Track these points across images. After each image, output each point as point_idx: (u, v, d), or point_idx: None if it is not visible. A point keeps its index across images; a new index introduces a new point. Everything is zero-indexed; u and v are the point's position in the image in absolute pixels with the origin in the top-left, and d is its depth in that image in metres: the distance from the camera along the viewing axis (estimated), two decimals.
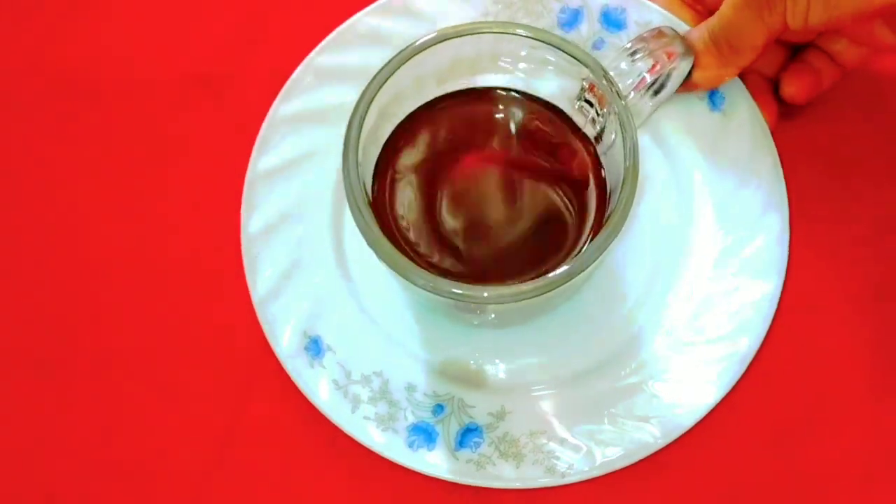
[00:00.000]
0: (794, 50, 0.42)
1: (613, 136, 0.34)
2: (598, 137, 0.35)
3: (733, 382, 0.39)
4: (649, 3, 0.42)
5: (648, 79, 0.34)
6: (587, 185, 0.35)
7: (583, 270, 0.30)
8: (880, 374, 0.40)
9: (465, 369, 0.40)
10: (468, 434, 0.39)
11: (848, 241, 0.42)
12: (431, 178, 0.36)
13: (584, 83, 0.34)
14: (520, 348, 0.41)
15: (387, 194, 0.35)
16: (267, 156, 0.42)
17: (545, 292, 0.30)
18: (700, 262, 0.41)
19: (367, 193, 0.32)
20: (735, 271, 0.40)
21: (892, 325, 0.40)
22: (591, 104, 0.34)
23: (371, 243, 0.31)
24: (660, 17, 0.42)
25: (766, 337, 0.39)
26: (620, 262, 0.41)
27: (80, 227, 0.43)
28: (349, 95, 0.39)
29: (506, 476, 0.38)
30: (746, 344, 0.39)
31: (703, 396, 0.38)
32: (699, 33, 0.38)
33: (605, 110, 0.33)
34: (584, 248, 0.33)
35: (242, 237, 0.41)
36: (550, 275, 0.30)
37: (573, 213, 0.35)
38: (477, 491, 0.38)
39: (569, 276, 0.30)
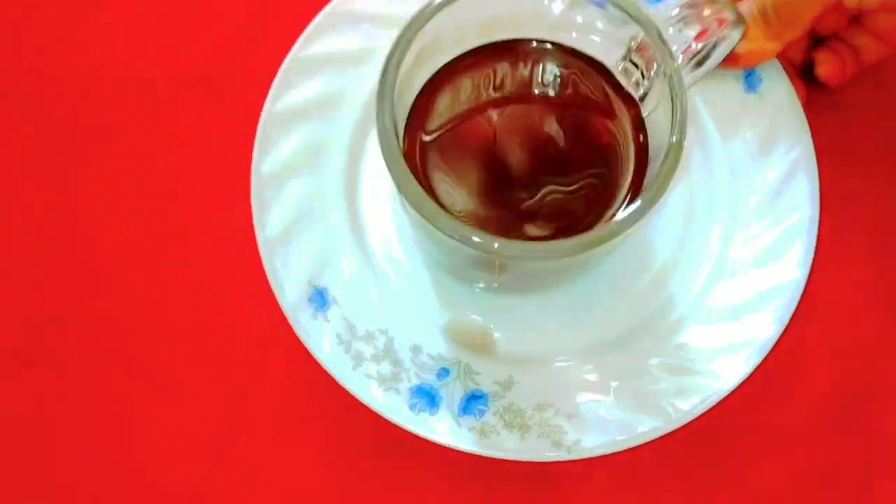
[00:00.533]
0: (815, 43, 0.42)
1: (656, 102, 0.33)
2: (641, 100, 0.33)
3: (752, 368, 0.37)
4: None
5: (695, 46, 0.33)
6: (626, 146, 0.33)
7: (616, 236, 0.29)
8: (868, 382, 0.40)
9: (475, 334, 0.39)
10: (472, 401, 0.37)
11: (879, 232, 0.41)
12: (466, 129, 0.34)
13: (633, 43, 0.32)
14: (535, 317, 0.39)
15: (418, 142, 0.34)
16: (286, 97, 0.40)
17: (574, 253, 0.29)
18: (726, 244, 0.39)
19: (398, 139, 0.30)
20: (760, 257, 0.39)
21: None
22: (636, 66, 0.33)
23: (400, 186, 0.29)
24: None
25: (789, 323, 0.38)
26: (644, 238, 0.40)
27: (80, 219, 0.43)
28: (378, 40, 0.38)
29: (509, 447, 0.37)
30: (770, 328, 0.38)
31: (723, 382, 0.37)
32: (748, 5, 0.37)
33: (651, 73, 0.32)
34: (619, 213, 0.31)
35: (253, 177, 0.39)
36: (583, 236, 0.29)
37: (609, 174, 0.33)
38: (480, 461, 0.37)
39: (599, 241, 0.29)
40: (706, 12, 0.33)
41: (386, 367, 0.38)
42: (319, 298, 0.38)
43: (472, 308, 0.39)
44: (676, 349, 0.38)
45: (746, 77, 0.41)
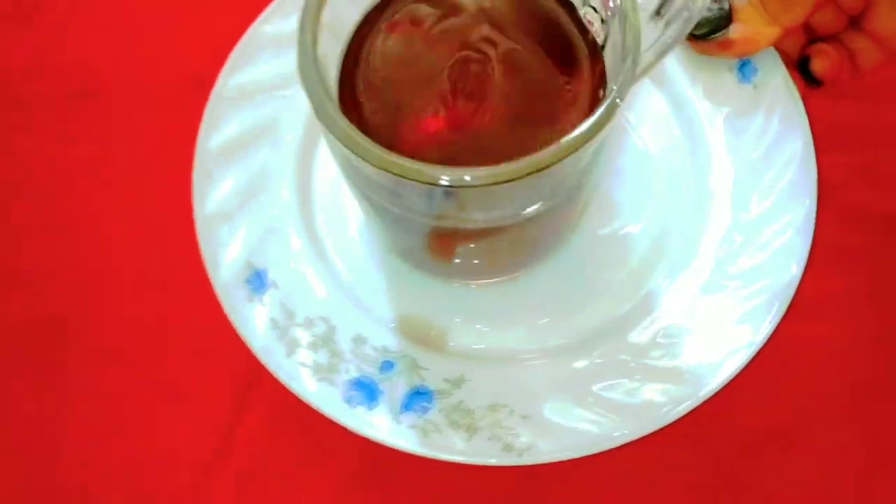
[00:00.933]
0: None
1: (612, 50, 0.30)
2: (602, 48, 0.30)
3: (725, 381, 0.33)
4: None
5: None
6: (585, 82, 0.30)
7: (570, 154, 0.25)
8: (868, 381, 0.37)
9: (426, 328, 0.35)
10: (416, 397, 0.33)
11: (875, 230, 0.38)
12: (407, 66, 0.31)
13: None
14: (495, 311, 0.36)
15: (357, 88, 0.31)
16: (238, 74, 0.38)
17: (528, 174, 0.25)
18: (712, 242, 0.36)
19: (317, 64, 0.27)
20: (752, 253, 0.35)
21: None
22: (595, 9, 0.30)
23: (331, 128, 0.26)
24: None
25: (777, 327, 0.33)
26: (623, 236, 0.37)
27: (81, 219, 0.42)
28: None
29: (454, 447, 0.32)
30: (757, 333, 0.33)
31: (687, 392, 0.33)
32: None
33: (607, 14, 0.29)
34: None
35: (197, 151, 0.36)
36: (535, 155, 0.25)
37: (568, 112, 0.30)
38: (425, 464, 0.32)
39: (554, 158, 0.25)
40: None
41: (323, 357, 0.34)
42: (257, 280, 0.35)
43: (425, 300, 0.36)
44: (649, 349, 0.34)
45: (741, 67, 0.38)
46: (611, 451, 0.32)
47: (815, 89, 0.38)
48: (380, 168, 0.25)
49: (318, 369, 0.34)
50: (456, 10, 0.31)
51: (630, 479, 0.35)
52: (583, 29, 0.31)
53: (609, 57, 0.30)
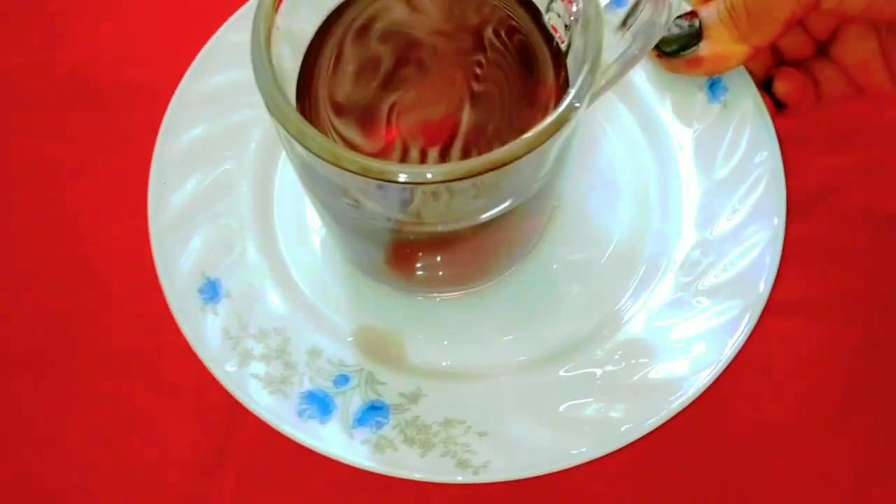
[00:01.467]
0: None
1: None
2: (566, 55, 0.30)
3: (690, 399, 0.32)
4: None
5: None
6: (549, 88, 0.29)
7: (525, 153, 0.24)
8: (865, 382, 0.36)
9: (385, 341, 0.34)
10: (371, 412, 0.32)
11: (844, 249, 0.38)
12: (369, 75, 0.30)
13: None
14: (456, 326, 0.35)
15: (317, 99, 0.30)
16: (201, 80, 0.37)
17: (483, 171, 0.24)
18: (679, 260, 0.35)
19: (281, 89, 0.27)
20: (719, 273, 0.35)
21: (885, 333, 0.37)
22: (559, 16, 0.29)
23: (283, 121, 0.25)
24: None
25: (746, 343, 0.33)
26: (588, 253, 0.36)
27: (80, 217, 0.41)
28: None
29: (408, 464, 0.31)
30: (723, 351, 0.33)
31: (648, 412, 0.32)
32: (714, 6, 0.35)
33: (571, 19, 0.29)
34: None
35: (154, 160, 0.36)
36: (490, 153, 0.24)
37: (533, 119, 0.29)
38: (382, 481, 0.31)
39: (509, 157, 0.24)
40: None
41: (277, 369, 0.33)
42: (211, 290, 0.34)
43: (386, 313, 0.35)
44: (613, 367, 0.33)
45: (711, 86, 0.37)
46: (578, 468, 0.32)
47: (779, 112, 0.37)
48: (330, 162, 0.24)
49: (270, 381, 0.33)
50: (417, 16, 0.31)
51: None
52: (548, 35, 0.30)
53: (572, 64, 0.29)
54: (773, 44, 0.36)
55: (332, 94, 0.30)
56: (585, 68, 0.26)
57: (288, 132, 0.25)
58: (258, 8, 0.27)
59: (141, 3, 0.46)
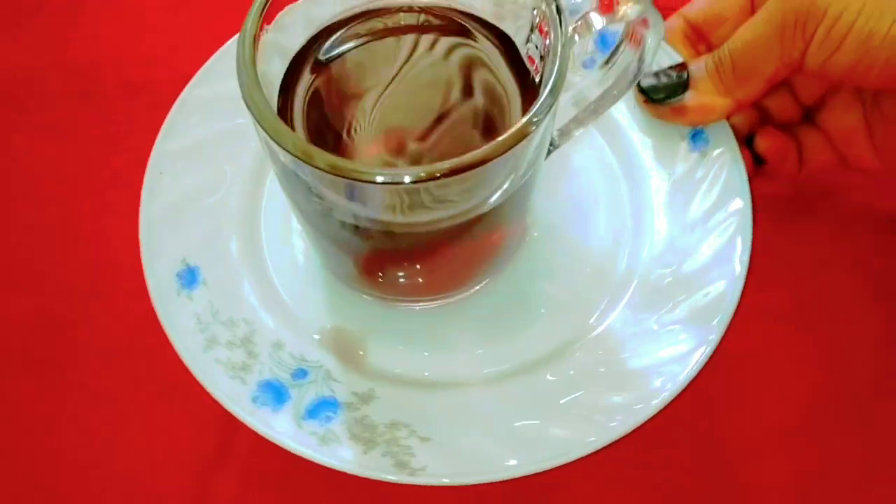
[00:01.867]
0: None
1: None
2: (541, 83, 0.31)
3: (631, 428, 0.33)
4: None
5: (596, 23, 0.31)
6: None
7: (498, 155, 0.26)
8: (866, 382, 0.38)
9: (348, 341, 0.36)
10: (322, 406, 0.34)
11: (844, 248, 0.40)
12: (344, 100, 0.32)
13: (536, 17, 0.30)
14: (422, 335, 0.37)
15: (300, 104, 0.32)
16: (206, 86, 0.39)
17: (458, 171, 0.25)
18: (648, 284, 0.36)
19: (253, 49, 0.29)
20: (679, 320, 0.35)
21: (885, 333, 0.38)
22: (536, 47, 0.31)
23: (256, 113, 0.27)
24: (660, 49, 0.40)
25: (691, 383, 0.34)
26: (556, 278, 0.38)
27: (82, 218, 0.42)
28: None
29: (348, 458, 0.32)
30: (666, 394, 0.33)
31: (588, 432, 0.33)
32: (703, 61, 0.36)
33: (545, 51, 0.30)
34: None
35: (154, 151, 0.38)
36: (465, 155, 0.25)
37: None
38: (326, 474, 0.33)
39: (485, 158, 0.26)
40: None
41: (239, 356, 0.35)
42: (189, 276, 0.36)
43: (354, 316, 0.37)
44: (563, 387, 0.34)
45: (693, 136, 0.39)
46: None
47: (758, 168, 0.38)
48: (298, 157, 0.26)
49: (231, 367, 0.34)
50: (395, 39, 0.33)
51: (606, 485, 0.36)
52: (523, 69, 0.32)
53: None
54: (758, 102, 0.37)
55: (311, 108, 0.31)
56: (545, 92, 0.27)
57: (265, 130, 0.26)
58: (248, 15, 0.29)
59: (141, 3, 0.47)
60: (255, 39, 0.28)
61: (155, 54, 0.45)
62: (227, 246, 0.37)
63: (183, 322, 0.35)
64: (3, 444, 0.38)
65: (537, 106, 0.27)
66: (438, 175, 0.25)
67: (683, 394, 0.35)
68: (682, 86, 0.37)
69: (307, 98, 0.31)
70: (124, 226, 0.39)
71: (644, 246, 0.38)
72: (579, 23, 0.30)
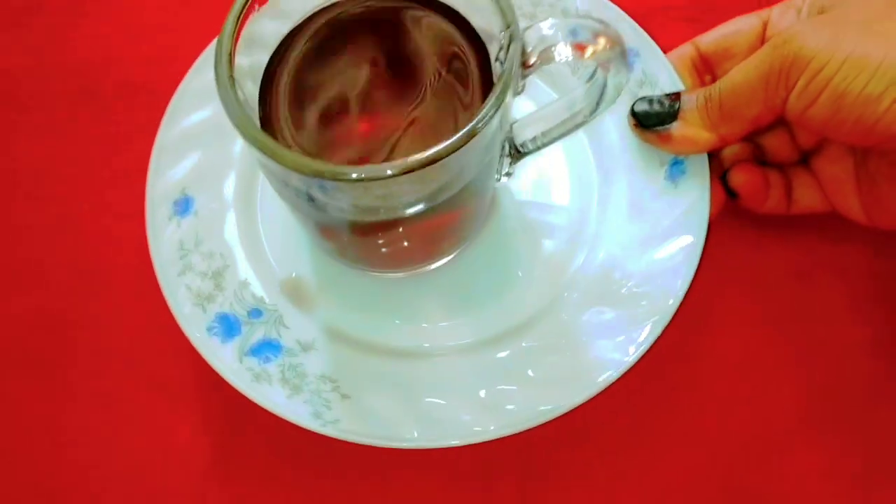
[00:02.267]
0: None
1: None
2: None
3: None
4: (662, 54, 0.41)
5: (560, 56, 0.30)
6: None
7: (449, 154, 0.27)
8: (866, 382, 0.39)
9: (306, 291, 0.39)
10: (265, 347, 0.37)
11: (844, 248, 0.41)
12: (320, 96, 0.33)
13: (503, 38, 0.32)
14: (371, 300, 0.40)
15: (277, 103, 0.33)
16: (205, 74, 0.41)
17: (409, 170, 0.27)
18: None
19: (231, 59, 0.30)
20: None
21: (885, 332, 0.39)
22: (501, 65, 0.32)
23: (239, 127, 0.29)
24: (666, 73, 0.40)
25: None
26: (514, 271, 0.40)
27: (82, 217, 0.43)
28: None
29: (272, 398, 0.36)
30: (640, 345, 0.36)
31: (503, 419, 0.35)
32: (695, 94, 0.37)
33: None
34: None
35: (178, 89, 0.41)
36: (403, 160, 0.27)
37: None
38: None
39: (435, 157, 0.27)
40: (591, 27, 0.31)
41: (207, 286, 0.38)
42: (184, 205, 0.40)
43: (321, 272, 0.40)
44: (499, 368, 0.37)
45: (672, 165, 0.39)
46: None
47: (733, 200, 0.39)
48: (260, 151, 0.28)
49: (197, 294, 0.38)
50: (367, 36, 0.34)
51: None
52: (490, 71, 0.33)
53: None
54: (754, 138, 0.37)
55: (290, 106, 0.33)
56: (490, 98, 0.28)
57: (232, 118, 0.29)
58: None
59: (141, 3, 0.47)
60: (231, 57, 0.29)
61: (155, 54, 0.45)
62: (224, 185, 0.41)
63: (167, 247, 0.39)
64: (3, 444, 0.39)
65: (485, 109, 0.28)
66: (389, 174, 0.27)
67: (681, 394, 0.38)
68: (671, 115, 0.38)
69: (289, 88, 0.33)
70: (124, 225, 0.41)
71: (600, 249, 0.39)
72: (543, 51, 0.31)
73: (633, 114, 0.38)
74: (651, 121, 0.38)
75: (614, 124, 0.41)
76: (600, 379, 0.35)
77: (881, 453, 0.37)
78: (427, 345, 0.38)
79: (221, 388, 0.36)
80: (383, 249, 0.38)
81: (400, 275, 0.41)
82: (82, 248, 0.42)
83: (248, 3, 0.30)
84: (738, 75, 0.35)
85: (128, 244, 0.41)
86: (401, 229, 0.35)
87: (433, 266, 0.40)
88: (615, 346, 0.36)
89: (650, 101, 0.38)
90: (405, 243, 0.38)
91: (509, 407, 0.35)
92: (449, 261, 0.40)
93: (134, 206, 0.39)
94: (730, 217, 0.40)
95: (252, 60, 0.32)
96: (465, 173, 0.32)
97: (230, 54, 0.29)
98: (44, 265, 0.42)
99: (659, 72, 0.41)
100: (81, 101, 0.45)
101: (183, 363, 0.39)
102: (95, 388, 0.40)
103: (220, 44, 0.29)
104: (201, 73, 0.42)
